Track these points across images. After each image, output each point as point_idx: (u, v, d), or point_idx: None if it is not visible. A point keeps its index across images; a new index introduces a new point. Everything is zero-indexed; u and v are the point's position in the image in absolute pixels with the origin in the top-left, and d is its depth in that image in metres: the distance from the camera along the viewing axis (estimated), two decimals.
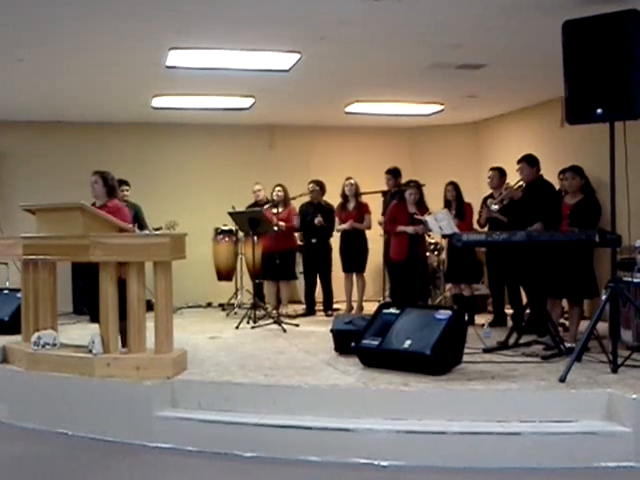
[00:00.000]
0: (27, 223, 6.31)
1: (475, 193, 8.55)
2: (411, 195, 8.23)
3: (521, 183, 7.26)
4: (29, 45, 6.39)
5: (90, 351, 5.43)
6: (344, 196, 9.13)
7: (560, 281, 6.33)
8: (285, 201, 9.25)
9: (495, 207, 7.47)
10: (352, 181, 9.09)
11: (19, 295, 6.59)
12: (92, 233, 5.47)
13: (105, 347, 5.43)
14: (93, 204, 6.30)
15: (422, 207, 8.26)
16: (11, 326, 7.23)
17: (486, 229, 7.77)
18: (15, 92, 8.39)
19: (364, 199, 9.17)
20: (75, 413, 5.28)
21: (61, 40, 6.28)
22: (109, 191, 6.28)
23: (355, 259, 9.06)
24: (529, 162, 7.10)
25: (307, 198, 9.33)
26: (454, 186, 8.39)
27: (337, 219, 9.16)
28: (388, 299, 8.62)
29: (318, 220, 9.04)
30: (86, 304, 7.68)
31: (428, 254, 9.54)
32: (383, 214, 8.95)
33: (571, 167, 6.67)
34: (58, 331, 5.94)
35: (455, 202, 8.31)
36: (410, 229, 8.17)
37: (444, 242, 8.84)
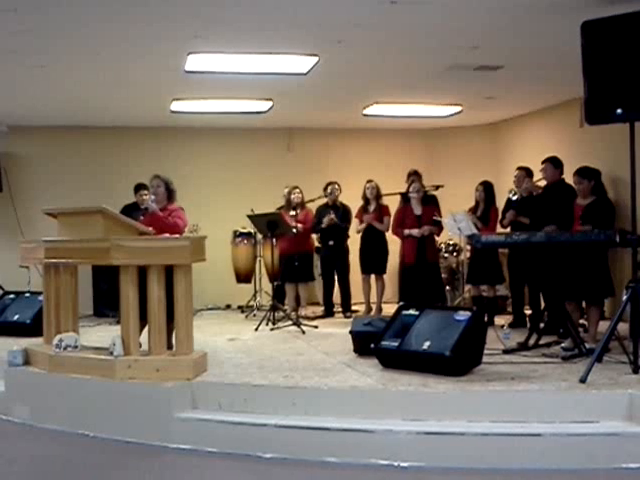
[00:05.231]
0: (48, 227, 6.38)
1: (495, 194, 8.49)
2: (414, 192, 8.24)
3: (542, 182, 7.27)
4: (50, 52, 6.45)
5: (111, 353, 5.46)
6: (365, 199, 9.14)
7: (576, 283, 6.30)
8: (302, 203, 9.29)
9: (514, 198, 7.53)
10: (373, 184, 9.09)
11: (40, 298, 6.66)
12: (113, 236, 5.52)
13: (126, 349, 5.46)
14: (144, 210, 6.41)
15: (428, 205, 8.26)
16: (33, 329, 7.31)
17: (508, 230, 7.77)
18: (36, 98, 8.48)
19: (384, 201, 9.16)
20: (96, 414, 5.33)
21: (81, 47, 6.33)
22: (169, 195, 6.45)
23: (375, 261, 9.04)
24: (554, 163, 7.12)
25: (324, 200, 9.35)
26: (484, 187, 8.28)
27: (357, 221, 9.17)
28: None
29: (326, 220, 9.05)
30: (111, 305, 7.77)
31: (447, 255, 9.54)
32: None
33: (577, 171, 6.59)
34: (79, 333, 5.99)
35: (483, 204, 8.24)
36: (415, 232, 8.17)
37: (463, 243, 8.82)
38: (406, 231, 8.24)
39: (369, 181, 9.16)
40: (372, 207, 9.08)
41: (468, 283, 8.77)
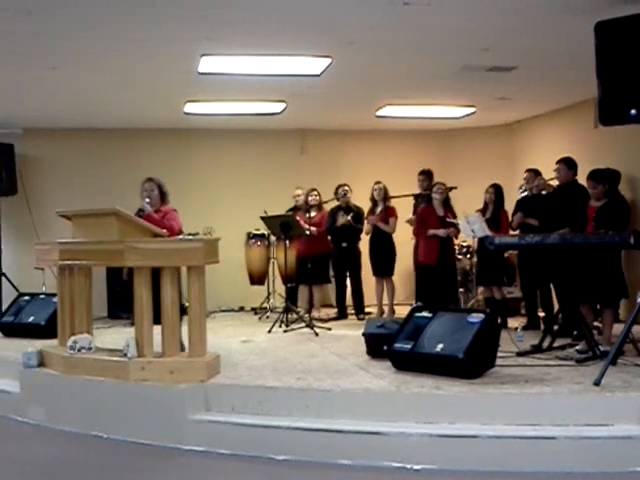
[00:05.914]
0: (62, 228, 6.41)
1: (508, 196, 8.45)
2: (437, 193, 8.20)
3: (554, 181, 7.27)
4: (62, 53, 6.49)
5: (125, 355, 5.49)
6: (373, 200, 9.13)
7: (590, 285, 6.26)
8: (319, 205, 9.30)
9: (523, 194, 7.53)
10: (381, 185, 9.07)
11: (55, 300, 6.69)
12: (127, 238, 5.54)
13: (140, 351, 5.48)
14: (139, 212, 6.48)
15: (447, 209, 8.24)
16: (47, 330, 7.33)
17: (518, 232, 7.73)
18: (48, 100, 8.53)
19: (393, 203, 9.13)
20: (110, 416, 5.35)
21: (93, 49, 6.36)
22: (162, 197, 6.60)
23: (383, 263, 9.03)
24: (568, 164, 7.09)
25: (335, 203, 9.35)
26: (495, 189, 8.18)
27: (366, 223, 9.16)
28: (414, 303, 8.59)
29: (341, 222, 9.05)
30: (125, 307, 7.80)
31: (460, 257, 9.50)
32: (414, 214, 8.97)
33: (590, 175, 6.53)
34: (93, 335, 6.02)
35: (492, 206, 8.18)
36: (442, 232, 8.14)
37: (476, 245, 8.78)
38: (432, 231, 8.20)
39: (377, 182, 9.14)
40: (379, 208, 9.07)
41: (478, 284, 8.74)
